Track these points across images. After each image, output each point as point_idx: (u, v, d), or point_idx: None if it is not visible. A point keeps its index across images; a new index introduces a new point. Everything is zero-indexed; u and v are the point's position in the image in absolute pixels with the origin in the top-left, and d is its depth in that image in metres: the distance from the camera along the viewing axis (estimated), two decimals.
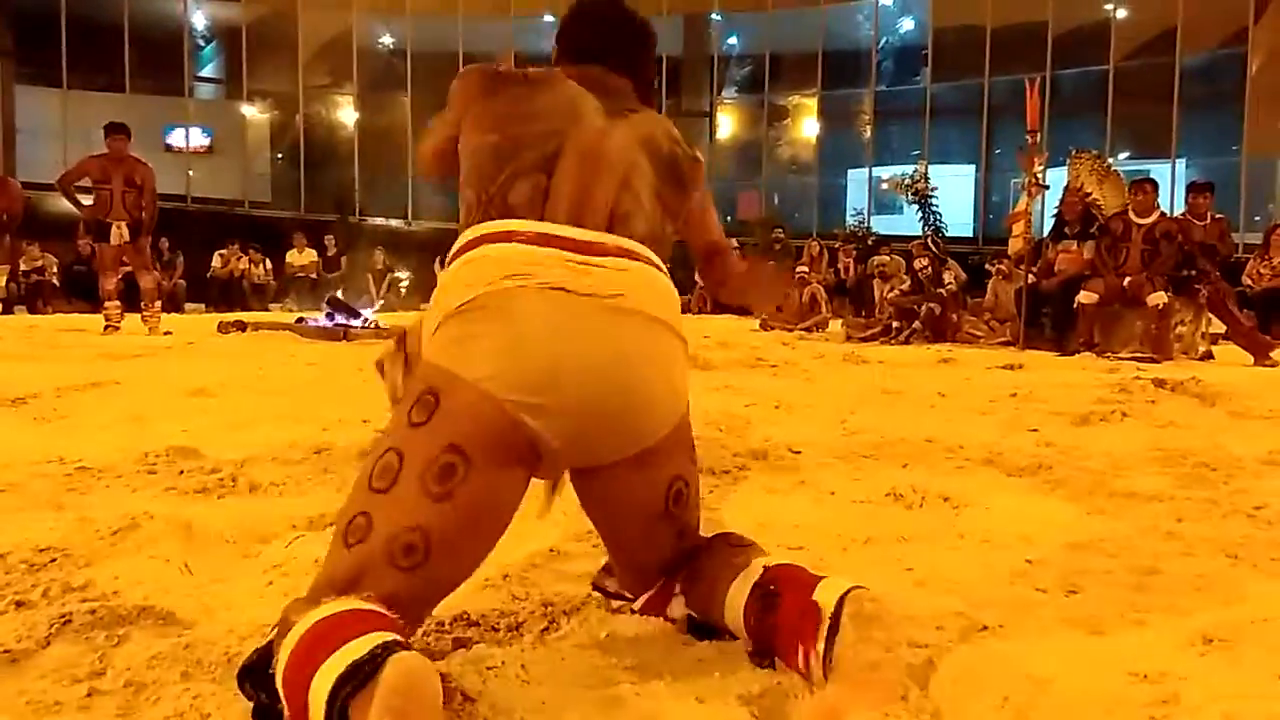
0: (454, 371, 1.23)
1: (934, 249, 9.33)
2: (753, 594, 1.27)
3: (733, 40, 22.87)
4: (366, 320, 8.14)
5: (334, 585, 1.14)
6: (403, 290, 15.98)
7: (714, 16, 21.97)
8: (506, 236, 1.30)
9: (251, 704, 1.11)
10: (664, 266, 1.39)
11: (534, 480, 1.31)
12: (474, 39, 19.59)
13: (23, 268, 12.81)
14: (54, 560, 1.70)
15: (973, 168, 20.04)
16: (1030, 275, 8.05)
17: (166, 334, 7.91)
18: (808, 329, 9.88)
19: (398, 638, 1.01)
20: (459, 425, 1.21)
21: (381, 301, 13.27)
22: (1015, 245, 8.44)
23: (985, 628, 1.44)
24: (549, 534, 1.92)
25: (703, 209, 1.60)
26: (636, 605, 1.44)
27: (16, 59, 18.23)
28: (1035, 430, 3.28)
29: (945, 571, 1.73)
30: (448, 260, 1.35)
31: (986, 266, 10.35)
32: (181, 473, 2.41)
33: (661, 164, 1.45)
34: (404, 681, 0.95)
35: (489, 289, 1.25)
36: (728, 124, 22.71)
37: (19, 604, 1.47)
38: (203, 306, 13.75)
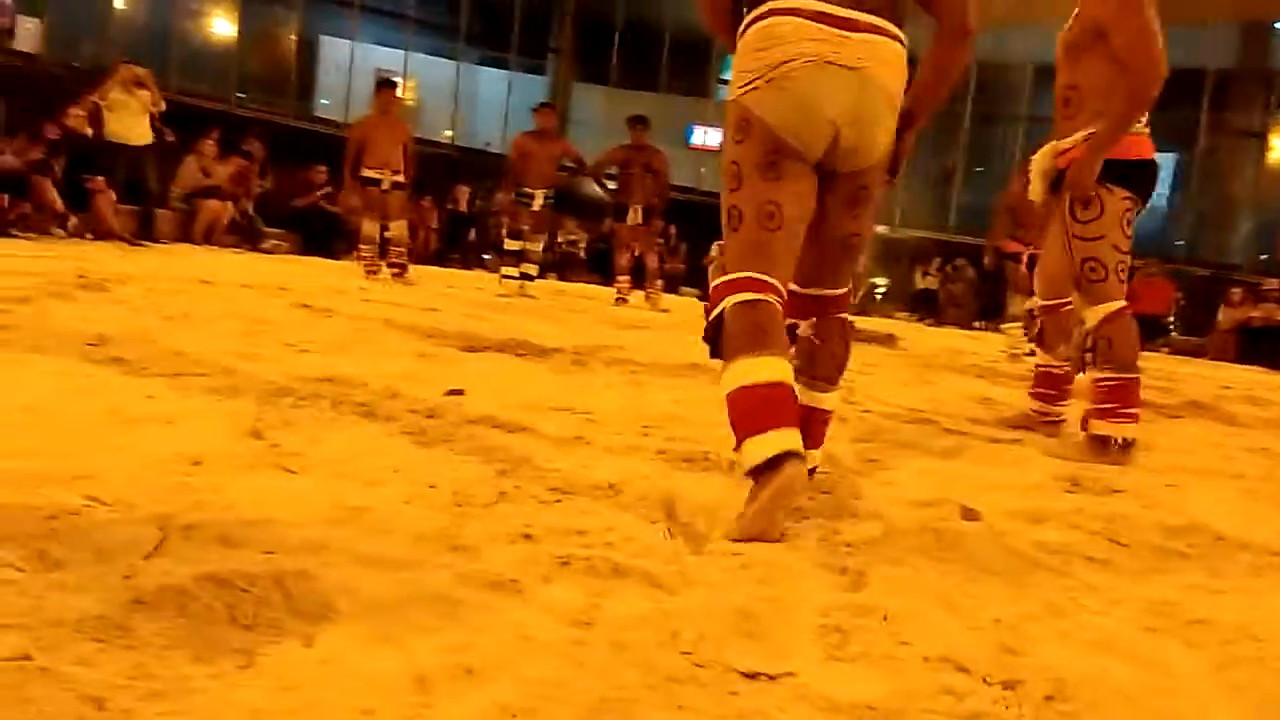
0: (760, 115, 1.88)
1: None
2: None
3: None
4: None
5: (737, 263, 1.90)
6: (878, 296, 15.84)
7: (1278, 25, 18.68)
8: (793, 11, 1.85)
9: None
10: (901, 34, 1.90)
11: None
12: (988, 46, 18.70)
13: (559, 240, 14.78)
14: (559, 501, 1.83)
15: None
16: None
17: (664, 311, 8.59)
18: None
19: (796, 450, 1.75)
20: (766, 140, 1.88)
21: (856, 305, 13.20)
22: None
23: None
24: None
25: None
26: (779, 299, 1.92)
27: (575, 59, 21.01)
28: None
29: None
30: (746, 23, 1.92)
31: None
32: (670, 439, 2.51)
33: None
34: (789, 482, 1.72)
35: (783, 69, 1.85)
36: None
37: (526, 536, 1.59)
38: (697, 292, 14.80)
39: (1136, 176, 3.01)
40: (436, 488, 1.81)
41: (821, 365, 2.08)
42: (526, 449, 2.20)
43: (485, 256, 13.55)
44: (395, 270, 8.46)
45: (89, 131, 9.47)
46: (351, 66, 18.30)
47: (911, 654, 1.26)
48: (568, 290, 10.72)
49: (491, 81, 19.61)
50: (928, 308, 15.36)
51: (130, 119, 9.27)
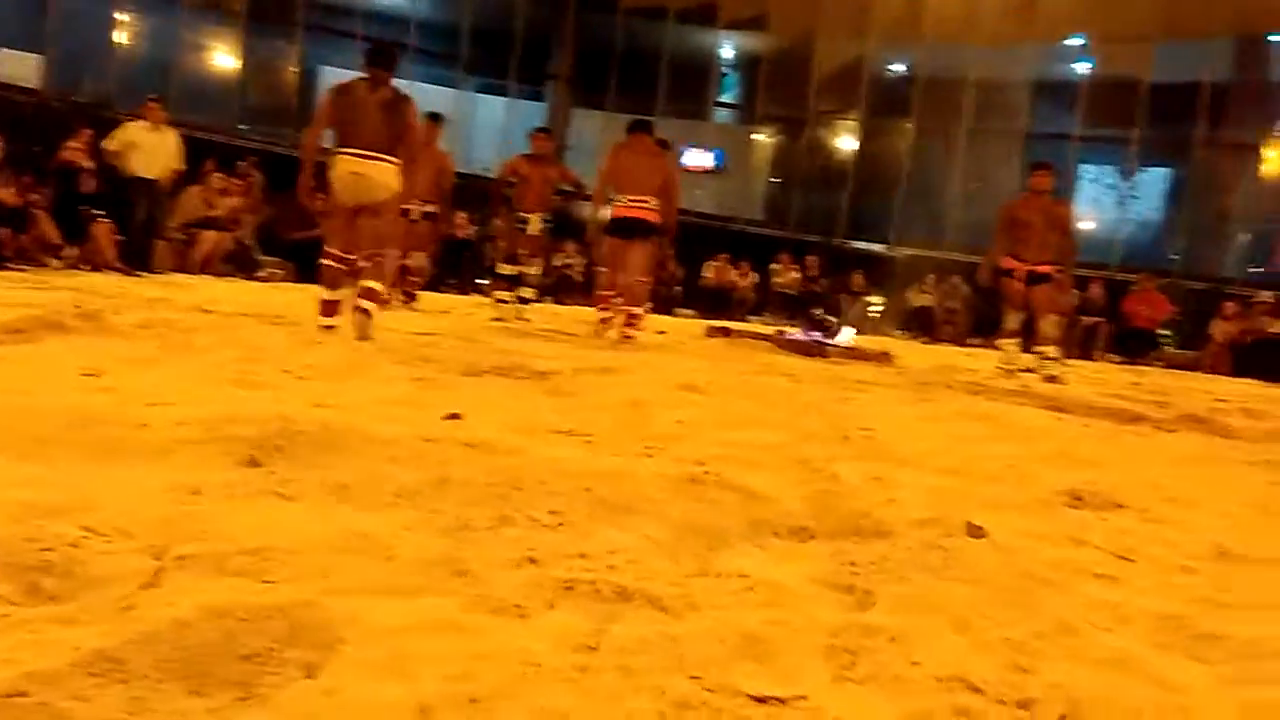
0: (336, 190, 5.18)
1: None
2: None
3: None
4: (840, 340, 8.10)
5: (329, 244, 5.27)
6: (871, 314, 15.83)
7: (1272, 38, 18.77)
8: (344, 152, 5.08)
9: None
10: (395, 160, 5.15)
11: None
12: (988, 64, 18.77)
13: (554, 263, 14.78)
14: (561, 525, 1.81)
15: None
16: None
17: (660, 333, 8.57)
18: None
19: (335, 325, 5.08)
20: (337, 201, 5.23)
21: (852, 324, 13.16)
22: None
23: None
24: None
25: (409, 128, 5.21)
26: (345, 266, 5.26)
27: (573, 84, 21.11)
28: None
29: None
30: (334, 153, 5.21)
31: None
32: (675, 460, 2.49)
33: (390, 107, 5.12)
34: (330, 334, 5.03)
35: (340, 174, 5.10)
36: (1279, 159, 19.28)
37: (529, 560, 1.57)
38: (693, 312, 14.80)
39: (612, 227, 7.12)
40: (437, 512, 1.79)
41: (364, 278, 5.07)
42: (526, 472, 2.18)
43: (481, 281, 13.55)
44: (407, 297, 8.64)
45: (87, 164, 9.49)
46: None
47: (923, 674, 1.25)
48: (562, 313, 10.72)
49: (490, 108, 19.72)
50: (922, 325, 15.36)
51: (155, 159, 9.45)
